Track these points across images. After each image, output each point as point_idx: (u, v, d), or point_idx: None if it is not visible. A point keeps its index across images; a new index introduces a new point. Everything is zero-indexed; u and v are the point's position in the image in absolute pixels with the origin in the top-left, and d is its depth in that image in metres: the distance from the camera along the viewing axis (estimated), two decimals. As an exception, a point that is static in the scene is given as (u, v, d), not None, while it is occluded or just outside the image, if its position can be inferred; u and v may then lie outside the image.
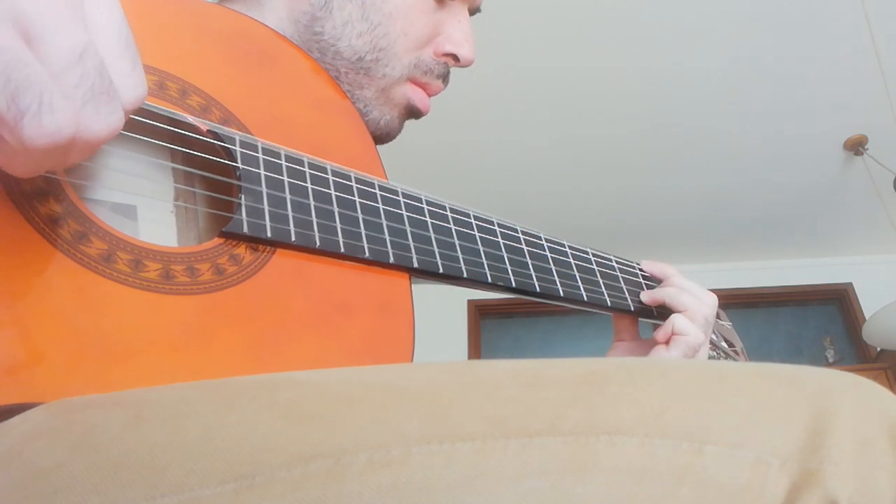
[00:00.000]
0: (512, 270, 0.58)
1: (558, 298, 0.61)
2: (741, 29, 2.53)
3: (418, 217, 0.55)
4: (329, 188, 0.51)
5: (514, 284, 0.58)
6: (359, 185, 0.53)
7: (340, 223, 0.49)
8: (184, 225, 0.49)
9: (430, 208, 0.56)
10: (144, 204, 0.47)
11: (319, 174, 0.51)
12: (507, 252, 0.59)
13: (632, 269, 0.72)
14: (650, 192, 3.43)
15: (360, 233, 0.50)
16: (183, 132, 0.46)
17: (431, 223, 0.55)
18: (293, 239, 0.46)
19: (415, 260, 0.52)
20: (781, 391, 0.31)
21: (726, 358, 0.79)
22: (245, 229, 0.44)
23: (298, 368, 0.41)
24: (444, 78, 0.67)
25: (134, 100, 0.32)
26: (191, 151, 0.47)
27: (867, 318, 2.78)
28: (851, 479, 0.27)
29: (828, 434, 0.29)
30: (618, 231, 3.67)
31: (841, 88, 2.80)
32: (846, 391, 0.31)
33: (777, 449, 0.28)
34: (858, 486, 0.27)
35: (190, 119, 0.46)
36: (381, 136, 0.66)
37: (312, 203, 0.49)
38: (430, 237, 0.54)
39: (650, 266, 0.73)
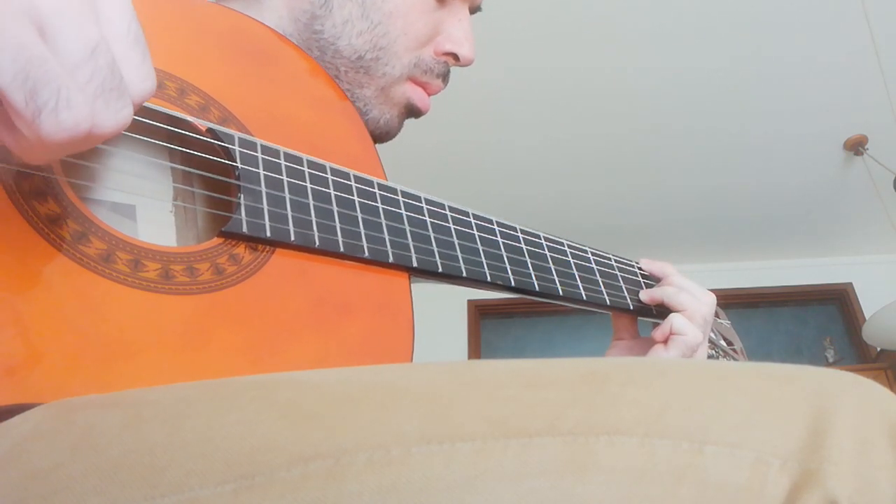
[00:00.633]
0: (511, 269, 0.58)
1: (557, 297, 0.62)
2: (741, 29, 2.53)
3: (417, 216, 0.55)
4: (328, 187, 0.50)
5: (513, 283, 0.58)
6: (358, 185, 0.53)
7: (340, 223, 0.49)
8: (183, 225, 0.49)
9: (430, 207, 0.56)
10: (143, 204, 0.47)
11: (318, 173, 0.51)
12: (506, 251, 0.59)
13: (630, 268, 0.72)
14: (650, 192, 3.43)
15: (360, 232, 0.50)
16: (182, 131, 0.46)
17: (431, 222, 0.55)
18: (292, 238, 0.46)
19: (414, 259, 0.52)
20: (781, 391, 0.31)
21: (725, 357, 0.79)
22: (244, 229, 0.44)
23: (298, 368, 0.41)
24: (444, 77, 0.67)
25: (142, 92, 0.33)
26: (190, 151, 0.47)
27: (867, 318, 2.78)
28: (851, 479, 0.27)
29: (828, 434, 0.29)
30: (618, 231, 3.67)
31: (841, 88, 2.80)
32: (846, 391, 0.31)
33: (777, 449, 0.28)
34: (858, 485, 0.27)
35: (189, 118, 0.46)
36: (381, 135, 0.66)
37: (312, 202, 0.49)
38: (429, 236, 0.54)
39: (649, 265, 0.73)
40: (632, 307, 0.68)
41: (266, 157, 0.48)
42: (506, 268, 0.58)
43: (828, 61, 2.66)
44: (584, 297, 0.63)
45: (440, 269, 0.53)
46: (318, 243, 0.47)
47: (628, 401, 0.30)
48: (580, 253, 0.67)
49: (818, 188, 3.39)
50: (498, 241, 0.60)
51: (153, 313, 0.38)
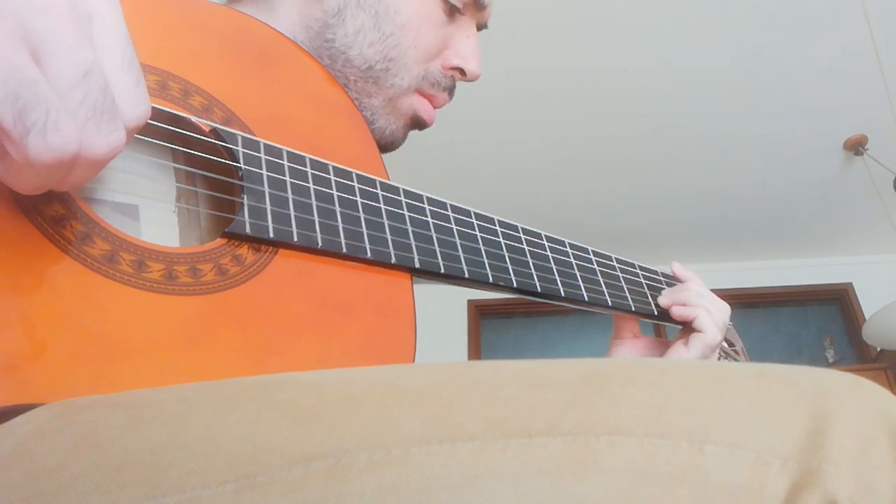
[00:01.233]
0: (513, 270, 0.58)
1: (559, 298, 0.62)
2: (741, 29, 2.53)
3: (420, 217, 0.55)
4: (331, 188, 0.51)
5: (515, 284, 0.58)
6: (360, 185, 0.53)
7: (342, 223, 0.49)
8: (186, 225, 0.49)
9: (432, 208, 0.56)
10: (146, 204, 0.47)
11: (321, 174, 0.51)
12: (508, 252, 0.59)
13: (632, 269, 0.72)
14: (650, 193, 3.43)
15: (362, 233, 0.50)
16: (185, 132, 0.46)
17: (433, 223, 0.55)
18: (295, 239, 0.46)
19: (416, 260, 0.52)
20: (781, 391, 0.31)
21: (727, 358, 0.79)
22: (247, 230, 0.44)
23: (300, 369, 0.41)
24: (450, 91, 0.68)
25: (136, 117, 0.33)
26: (193, 151, 0.47)
27: (867, 319, 2.78)
28: (851, 479, 0.27)
29: (827, 434, 0.29)
30: (618, 231, 3.67)
31: (841, 88, 2.80)
32: (846, 391, 0.31)
33: (777, 449, 0.29)
34: (858, 486, 0.27)
35: (192, 119, 0.46)
36: (386, 145, 0.66)
37: (314, 203, 0.49)
38: (431, 237, 0.54)
39: (681, 269, 0.75)
40: (633, 308, 0.68)
41: (269, 158, 0.48)
42: (508, 268, 0.58)
43: (828, 61, 2.67)
44: (587, 298, 0.63)
45: (442, 270, 0.53)
46: (320, 244, 0.47)
47: (628, 401, 0.30)
48: (582, 253, 0.67)
49: (818, 188, 3.39)
50: (500, 241, 0.60)
51: (156, 314, 0.38)
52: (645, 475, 0.28)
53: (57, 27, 0.29)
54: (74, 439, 0.28)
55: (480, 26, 0.70)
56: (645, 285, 0.72)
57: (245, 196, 0.45)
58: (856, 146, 3.08)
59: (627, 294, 0.69)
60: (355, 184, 0.52)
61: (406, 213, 0.54)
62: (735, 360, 0.81)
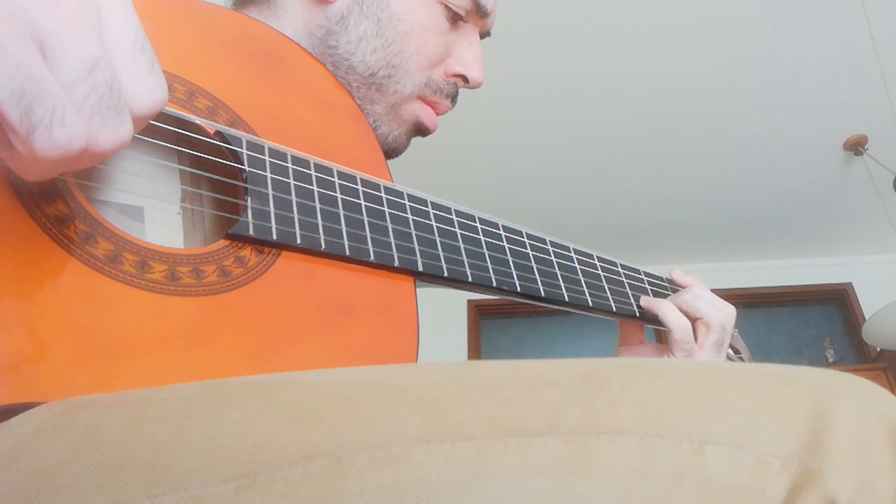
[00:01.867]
0: (517, 275, 0.58)
1: (563, 304, 0.61)
2: (741, 29, 2.53)
3: (423, 220, 0.55)
4: (335, 191, 0.51)
5: (518, 289, 0.58)
6: (364, 188, 0.53)
7: (346, 226, 0.49)
8: (190, 226, 0.49)
9: (436, 212, 0.56)
10: (151, 205, 0.47)
11: (325, 177, 0.51)
12: (511, 256, 0.59)
13: (637, 275, 0.72)
14: (650, 193, 3.43)
15: (366, 236, 0.50)
16: (190, 134, 0.46)
17: (437, 227, 0.55)
18: (298, 242, 0.46)
19: (420, 263, 0.52)
20: (781, 391, 0.31)
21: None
22: (251, 231, 0.44)
23: (302, 370, 0.41)
24: (453, 98, 0.68)
25: (152, 104, 0.33)
26: (198, 154, 0.47)
27: (867, 318, 2.78)
28: (851, 479, 0.27)
29: (827, 434, 0.29)
30: (618, 231, 3.67)
31: (841, 88, 2.80)
32: (846, 391, 0.31)
33: (777, 449, 0.29)
34: (858, 486, 0.27)
35: (197, 121, 0.47)
36: (388, 152, 0.67)
37: (318, 206, 0.49)
38: (435, 241, 0.54)
39: (680, 275, 0.74)
40: (638, 314, 0.68)
41: (273, 160, 0.48)
42: (511, 273, 0.58)
43: (828, 61, 2.66)
44: (591, 304, 0.63)
45: (446, 274, 0.53)
46: (324, 246, 0.47)
47: (629, 401, 0.30)
48: (586, 258, 0.67)
49: (818, 188, 3.39)
50: (504, 245, 0.60)
51: (159, 314, 0.38)
52: (645, 475, 0.28)
53: (63, 22, 0.29)
54: (75, 438, 0.28)
55: (483, 34, 0.70)
56: (650, 291, 0.72)
57: (249, 198, 0.45)
58: (856, 146, 3.08)
59: (632, 300, 0.69)
60: (359, 187, 0.53)
61: (410, 216, 0.54)
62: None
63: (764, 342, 3.83)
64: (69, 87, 0.29)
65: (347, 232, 0.49)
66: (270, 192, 0.47)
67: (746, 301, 3.79)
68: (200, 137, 0.47)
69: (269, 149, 0.49)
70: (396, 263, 0.50)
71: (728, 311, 0.69)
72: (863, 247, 3.85)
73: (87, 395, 0.32)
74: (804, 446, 0.29)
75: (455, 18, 0.66)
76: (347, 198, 0.51)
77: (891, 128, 2.91)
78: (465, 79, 0.68)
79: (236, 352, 0.40)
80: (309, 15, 0.64)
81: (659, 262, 3.75)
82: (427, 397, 0.30)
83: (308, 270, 0.46)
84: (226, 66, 0.52)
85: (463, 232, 0.57)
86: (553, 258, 0.63)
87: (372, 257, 0.49)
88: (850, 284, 3.86)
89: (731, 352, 0.80)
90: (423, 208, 0.56)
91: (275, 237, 0.45)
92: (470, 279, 0.54)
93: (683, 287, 0.74)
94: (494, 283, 0.56)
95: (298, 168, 0.50)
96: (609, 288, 0.66)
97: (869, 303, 3.62)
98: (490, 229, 0.60)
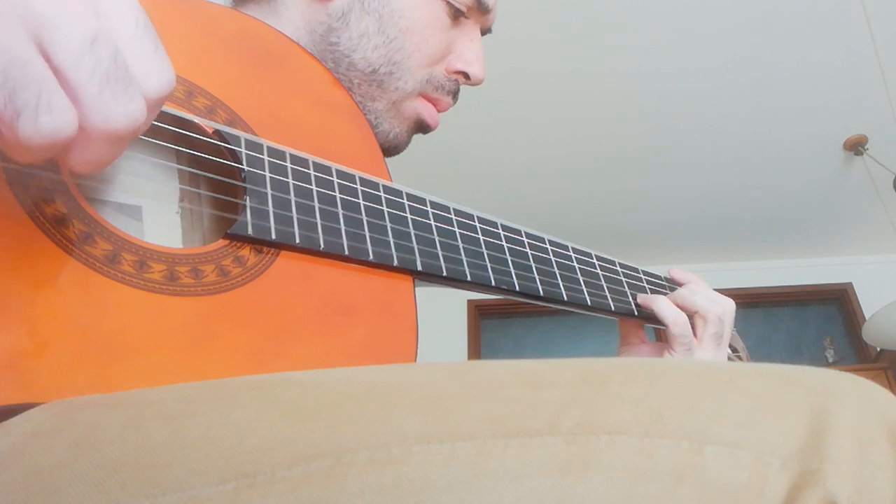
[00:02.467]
0: (515, 274, 0.58)
1: (562, 303, 0.61)
2: (741, 29, 2.53)
3: (422, 220, 0.55)
4: (334, 190, 0.51)
5: (517, 288, 0.58)
6: (363, 188, 0.53)
7: (345, 225, 0.49)
8: (189, 226, 0.49)
9: (434, 211, 0.56)
10: (149, 205, 0.47)
11: (324, 176, 0.51)
12: (510, 255, 0.59)
13: (635, 274, 0.72)
14: (650, 192, 3.43)
15: (365, 235, 0.50)
16: (188, 133, 0.46)
17: (435, 226, 0.55)
18: (297, 241, 0.46)
19: (419, 263, 0.52)
20: (781, 391, 0.31)
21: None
22: (249, 231, 0.44)
23: (301, 370, 0.41)
24: (454, 95, 0.68)
25: (159, 86, 0.32)
26: (196, 153, 0.47)
27: (867, 318, 2.78)
28: (851, 479, 0.27)
29: (828, 434, 0.29)
30: (618, 231, 3.67)
31: (841, 88, 2.80)
32: (846, 391, 0.31)
33: (777, 449, 0.28)
34: (858, 486, 0.27)
35: (196, 120, 0.46)
36: (389, 149, 0.67)
37: (317, 205, 0.49)
38: (434, 240, 0.54)
39: (679, 273, 0.74)
40: (637, 313, 0.68)
41: (272, 160, 0.48)
42: (510, 272, 0.58)
43: (828, 61, 2.66)
44: (589, 303, 0.63)
45: (445, 273, 0.53)
46: (322, 246, 0.47)
47: (629, 401, 0.30)
48: (585, 257, 0.67)
49: (818, 188, 3.39)
50: (503, 245, 0.60)
51: (158, 314, 0.38)
52: (645, 475, 0.28)
53: (57, 1, 0.29)
54: (74, 438, 0.28)
55: (484, 31, 0.70)
56: (649, 290, 0.72)
57: (247, 197, 0.45)
58: (856, 146, 3.08)
59: (630, 299, 0.69)
60: (358, 186, 0.52)
61: (409, 215, 0.54)
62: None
63: (764, 342, 3.83)
64: (74, 62, 0.29)
65: (346, 231, 0.49)
66: (269, 191, 0.47)
67: (746, 301, 3.79)
68: (199, 137, 0.47)
69: (268, 148, 0.49)
70: (395, 263, 0.50)
71: (725, 304, 0.69)
72: (863, 247, 3.85)
73: (86, 396, 0.32)
74: (804, 446, 0.28)
75: (456, 15, 0.65)
76: (346, 197, 0.51)
77: (891, 128, 2.91)
78: (466, 75, 0.68)
79: (235, 352, 0.40)
80: (310, 12, 0.63)
81: (658, 262, 3.75)
82: (427, 397, 0.30)
83: (307, 270, 0.46)
84: (225, 66, 0.52)
85: (462, 231, 0.57)
86: (552, 257, 0.63)
87: (371, 257, 0.49)
88: (850, 284, 3.86)
89: (729, 351, 0.80)
90: (422, 207, 0.56)
91: (274, 237, 0.45)
92: (469, 278, 0.54)
93: (682, 284, 0.74)
94: (493, 283, 0.56)
95: (297, 167, 0.50)
96: (608, 287, 0.66)
97: (869, 303, 3.62)
98: (489, 228, 0.60)
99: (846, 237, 3.79)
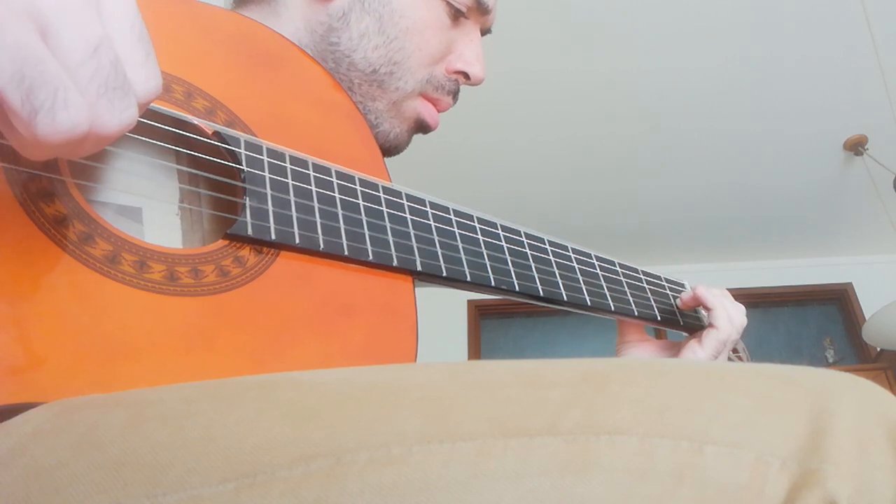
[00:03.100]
0: (515, 274, 0.58)
1: (562, 303, 0.61)
2: (741, 29, 2.53)
3: (422, 220, 0.55)
4: (333, 191, 0.51)
5: (517, 288, 0.58)
6: (363, 188, 0.53)
7: (344, 225, 0.49)
8: (188, 227, 0.49)
9: (434, 211, 0.56)
10: (149, 206, 0.47)
11: (324, 177, 0.51)
12: (510, 255, 0.59)
13: (635, 274, 0.72)
14: (650, 192, 3.43)
15: (364, 235, 0.50)
16: (188, 134, 0.46)
17: (435, 226, 0.55)
18: (297, 241, 0.46)
19: (418, 263, 0.52)
20: (781, 391, 0.31)
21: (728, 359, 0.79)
22: (249, 231, 0.44)
23: (301, 370, 0.41)
24: (454, 95, 0.68)
25: (146, 92, 0.32)
26: (196, 154, 0.47)
27: (867, 318, 2.78)
28: (851, 480, 0.27)
29: (827, 434, 0.29)
30: (618, 231, 3.67)
31: (841, 88, 2.80)
32: (846, 391, 0.31)
33: (777, 449, 0.28)
34: (858, 486, 0.27)
35: (195, 121, 0.46)
36: (389, 149, 0.66)
37: (316, 205, 0.49)
38: (433, 240, 0.54)
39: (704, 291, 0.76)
40: (636, 313, 0.68)
41: (271, 161, 0.48)
42: (510, 272, 0.58)
43: (828, 61, 2.66)
44: (589, 303, 0.63)
45: (444, 273, 0.53)
46: (322, 246, 0.47)
47: (629, 401, 0.30)
48: (584, 258, 0.67)
49: (818, 188, 3.39)
50: (502, 245, 0.60)
51: (158, 314, 0.38)
52: (645, 475, 0.28)
53: (64, 3, 0.29)
54: (75, 438, 0.28)
55: (484, 31, 0.70)
56: (648, 290, 0.72)
57: (247, 198, 0.45)
58: (856, 146, 3.08)
59: (630, 299, 0.69)
60: (357, 187, 0.52)
61: (408, 216, 0.54)
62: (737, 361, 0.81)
63: (764, 342, 3.83)
64: (74, 68, 0.29)
65: (346, 231, 0.49)
66: (269, 191, 0.47)
67: (746, 301, 3.77)
68: (199, 138, 0.47)
69: (268, 149, 0.49)
70: (395, 263, 0.50)
71: (741, 310, 0.73)
72: (863, 247, 3.85)
73: (85, 396, 0.32)
74: (804, 446, 0.28)
75: (456, 15, 0.65)
76: (346, 198, 0.51)
77: (891, 128, 2.91)
78: (466, 75, 0.68)
79: (235, 352, 0.40)
80: (310, 12, 0.63)
81: (658, 263, 3.75)
82: (427, 397, 0.30)
83: (307, 270, 0.46)
84: (224, 67, 0.52)
85: (461, 231, 0.57)
86: (551, 257, 0.63)
87: (370, 257, 0.49)
88: (850, 284, 3.86)
89: (730, 352, 0.80)
90: (422, 208, 0.56)
91: (273, 237, 0.45)
92: (468, 279, 0.54)
93: (706, 301, 0.74)
94: (493, 283, 0.56)
95: (296, 168, 0.50)
96: (607, 287, 0.66)
97: (869, 303, 3.62)
98: (488, 229, 0.60)
99: (846, 237, 3.78)
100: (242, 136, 0.48)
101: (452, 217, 0.57)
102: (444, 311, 3.67)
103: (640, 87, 2.79)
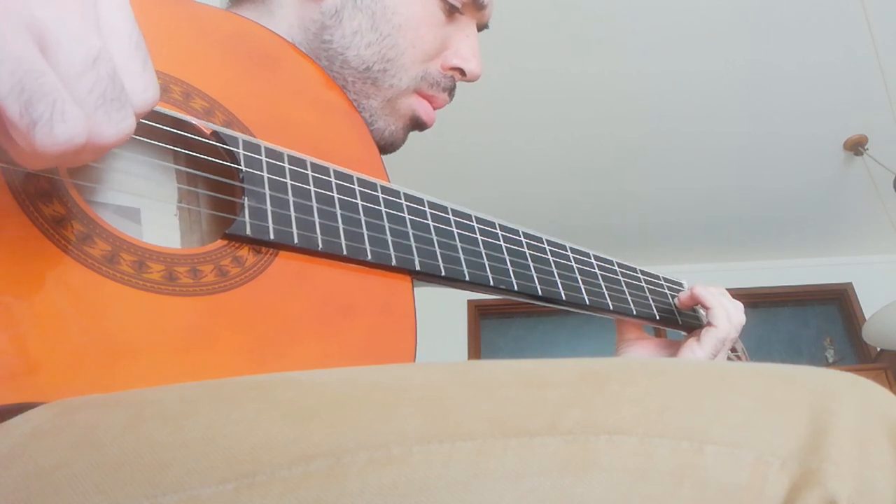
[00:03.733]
0: (514, 273, 0.58)
1: (561, 302, 0.61)
2: (741, 30, 2.53)
3: (420, 220, 0.55)
4: (332, 190, 0.51)
5: (516, 288, 0.58)
6: (361, 188, 0.53)
7: (343, 225, 0.49)
8: (187, 227, 0.49)
9: (433, 211, 0.56)
10: (148, 206, 0.47)
11: (322, 176, 0.51)
12: (509, 255, 0.59)
13: (633, 273, 0.72)
14: (651, 193, 3.43)
15: (363, 235, 0.50)
16: (186, 134, 0.46)
17: (434, 226, 0.55)
18: (296, 241, 0.46)
19: (417, 262, 0.52)
20: (781, 391, 0.31)
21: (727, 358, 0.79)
22: (248, 231, 0.44)
23: (300, 370, 0.41)
24: (450, 91, 0.68)
25: (143, 102, 0.33)
26: (194, 154, 0.47)
27: (867, 318, 2.78)
28: (851, 479, 0.27)
29: (828, 434, 0.29)
30: (618, 231, 3.67)
31: (841, 88, 2.80)
32: (846, 391, 0.31)
33: (777, 448, 0.28)
34: (858, 486, 0.27)
35: (194, 121, 0.46)
36: (385, 147, 0.66)
37: (315, 205, 0.49)
38: (432, 239, 0.54)
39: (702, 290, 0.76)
40: (635, 312, 0.68)
41: (270, 160, 0.48)
42: (508, 272, 0.58)
43: (828, 61, 2.67)
44: (588, 302, 0.63)
45: (443, 273, 0.53)
46: (321, 246, 0.47)
47: (628, 400, 0.30)
48: (583, 258, 0.67)
49: (818, 188, 3.39)
50: (501, 244, 0.59)
51: (157, 314, 0.38)
52: (645, 475, 0.28)
53: (63, 15, 0.29)
54: (74, 438, 0.28)
55: (481, 26, 0.70)
56: (646, 289, 0.72)
57: (246, 198, 0.45)
58: (856, 146, 3.08)
59: (629, 298, 0.69)
60: (356, 186, 0.52)
61: (407, 215, 0.54)
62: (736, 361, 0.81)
63: (764, 342, 3.83)
64: (73, 79, 0.29)
65: (344, 231, 0.49)
66: (267, 191, 0.47)
67: (746, 301, 3.77)
68: (197, 138, 0.47)
69: (266, 149, 0.49)
70: (394, 263, 0.50)
71: (740, 307, 0.73)
72: (863, 247, 3.85)
73: (85, 396, 0.32)
74: (804, 446, 0.28)
75: (451, 11, 0.65)
76: (344, 197, 0.51)
77: (891, 128, 2.91)
78: (462, 72, 0.67)
79: (234, 352, 0.40)
80: (303, 10, 0.63)
81: (658, 263, 3.75)
82: (427, 397, 0.30)
83: (305, 270, 0.46)
84: (222, 67, 0.52)
85: (460, 231, 0.57)
86: (550, 257, 0.63)
87: (369, 257, 0.49)
88: (850, 284, 3.86)
89: (729, 352, 0.80)
90: (420, 208, 0.56)
91: (272, 237, 0.45)
92: (467, 278, 0.54)
93: (704, 300, 0.74)
94: (492, 283, 0.56)
95: (295, 168, 0.50)
96: (606, 286, 0.66)
97: (869, 303, 3.62)
98: (487, 228, 0.60)
99: (846, 237, 3.79)
100: (241, 136, 0.48)
101: (451, 217, 0.57)
102: (443, 311, 3.67)
103: (639, 88, 2.79)
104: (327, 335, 0.44)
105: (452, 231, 0.56)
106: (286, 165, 0.49)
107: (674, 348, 0.75)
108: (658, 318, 0.71)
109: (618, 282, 0.69)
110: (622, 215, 3.58)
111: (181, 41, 0.50)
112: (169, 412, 0.29)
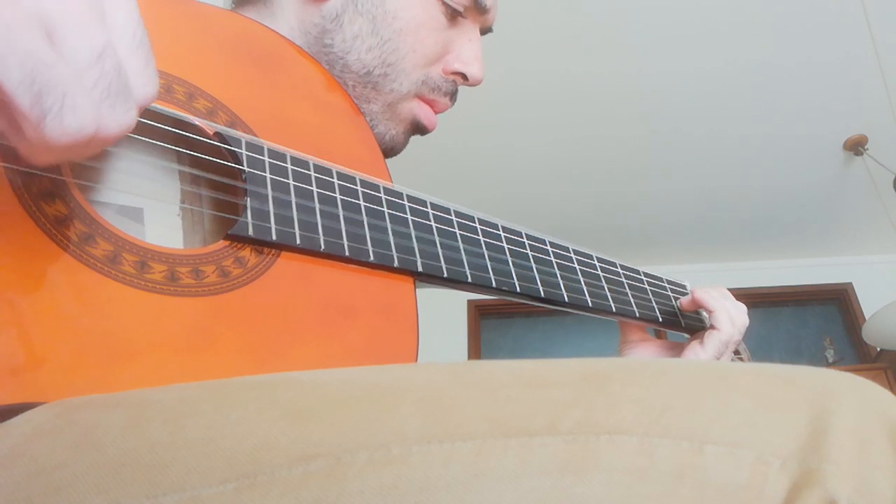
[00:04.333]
0: (516, 274, 0.58)
1: (562, 304, 0.61)
2: (741, 30, 2.53)
3: (423, 221, 0.55)
4: (334, 191, 0.51)
5: (518, 289, 0.57)
6: (364, 189, 0.53)
7: (345, 226, 0.49)
8: (190, 227, 0.49)
9: (435, 212, 0.56)
10: (151, 206, 0.47)
11: (325, 178, 0.51)
12: (511, 256, 0.59)
13: (636, 275, 0.72)
14: (651, 193, 3.43)
15: (365, 236, 0.50)
16: (189, 135, 0.46)
17: (436, 227, 0.55)
18: (298, 242, 0.46)
19: (419, 264, 0.52)
20: (782, 391, 0.31)
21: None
22: (250, 232, 0.44)
23: (302, 371, 0.41)
24: (452, 96, 0.67)
25: (145, 96, 0.33)
26: (197, 154, 0.47)
27: (867, 318, 2.78)
28: (851, 479, 0.27)
29: (828, 434, 0.29)
30: (618, 231, 3.67)
31: (841, 89, 2.80)
32: (846, 391, 0.31)
33: (777, 448, 0.29)
34: (858, 485, 0.27)
35: (197, 122, 0.46)
36: (386, 151, 0.66)
37: (317, 206, 0.49)
38: (434, 241, 0.54)
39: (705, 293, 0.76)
40: (637, 314, 0.68)
41: (272, 161, 0.48)
42: (511, 273, 0.58)
43: (828, 62, 2.67)
44: (590, 304, 0.63)
45: (445, 274, 0.53)
46: (323, 247, 0.47)
47: (629, 400, 0.30)
48: (585, 259, 0.67)
49: (818, 188, 3.39)
50: (503, 246, 0.59)
51: (158, 315, 0.38)
52: (645, 475, 0.28)
53: (70, 9, 0.29)
54: (75, 438, 0.28)
55: (484, 30, 0.70)
56: (649, 292, 0.72)
57: (248, 199, 0.45)
58: (856, 146, 3.08)
59: (631, 300, 0.68)
60: (358, 187, 0.52)
61: (409, 217, 0.54)
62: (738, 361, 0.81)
63: (764, 342, 3.83)
64: (79, 73, 0.29)
65: (347, 232, 0.49)
66: (270, 192, 0.47)
67: (746, 301, 3.77)
68: (200, 138, 0.47)
69: (269, 150, 0.49)
70: (396, 264, 0.50)
71: (743, 309, 0.72)
72: (863, 247, 3.85)
73: (86, 396, 0.32)
74: (804, 446, 0.29)
75: (453, 15, 0.65)
76: (347, 198, 0.51)
77: (891, 128, 2.91)
78: (463, 76, 0.67)
79: (236, 352, 0.40)
80: (304, 13, 0.63)
81: (658, 263, 3.76)
82: (427, 397, 0.30)
83: (307, 271, 0.46)
84: (225, 68, 0.52)
85: (462, 232, 0.57)
86: (552, 258, 0.63)
87: (371, 258, 0.49)
88: (850, 284, 3.86)
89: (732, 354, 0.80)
90: (423, 209, 0.56)
91: (274, 237, 0.45)
92: (469, 279, 0.54)
93: (706, 304, 0.73)
94: (494, 284, 0.56)
95: (297, 169, 0.50)
96: (608, 288, 0.66)
97: (869, 303, 3.62)
98: (489, 230, 0.60)
99: (846, 237, 3.79)
100: (243, 137, 0.48)
101: (454, 218, 0.57)
102: (444, 311, 3.67)
103: (640, 88, 2.79)
104: (329, 336, 0.44)
105: (455, 232, 0.56)
106: (289, 166, 0.49)
107: (677, 350, 0.75)
108: (661, 320, 0.71)
109: (621, 284, 0.69)
110: (622, 215, 3.58)
111: (185, 41, 0.50)
112: (169, 412, 0.29)
